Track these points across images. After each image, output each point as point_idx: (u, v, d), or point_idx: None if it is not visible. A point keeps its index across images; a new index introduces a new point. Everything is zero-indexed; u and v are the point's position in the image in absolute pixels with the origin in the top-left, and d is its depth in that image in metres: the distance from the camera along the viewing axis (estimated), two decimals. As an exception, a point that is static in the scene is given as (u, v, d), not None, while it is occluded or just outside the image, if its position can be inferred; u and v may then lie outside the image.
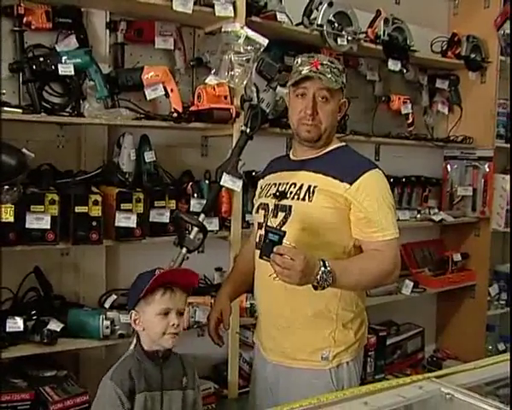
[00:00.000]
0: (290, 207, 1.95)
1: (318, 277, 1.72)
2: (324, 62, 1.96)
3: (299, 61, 2.01)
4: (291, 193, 1.97)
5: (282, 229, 1.82)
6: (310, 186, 1.93)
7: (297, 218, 1.93)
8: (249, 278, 2.15)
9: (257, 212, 2.09)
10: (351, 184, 1.89)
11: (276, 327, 2.00)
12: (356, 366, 1.99)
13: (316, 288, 1.75)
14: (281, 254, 1.69)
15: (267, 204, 2.04)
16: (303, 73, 1.95)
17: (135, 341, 1.88)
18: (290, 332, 1.96)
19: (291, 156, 2.13)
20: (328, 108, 1.96)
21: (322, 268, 1.73)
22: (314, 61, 1.96)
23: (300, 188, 1.95)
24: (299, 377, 1.94)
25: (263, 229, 1.98)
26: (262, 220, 2.04)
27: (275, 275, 1.73)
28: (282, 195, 1.99)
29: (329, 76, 1.94)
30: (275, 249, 1.70)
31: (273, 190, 2.04)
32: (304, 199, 1.93)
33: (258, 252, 2.00)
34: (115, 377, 1.73)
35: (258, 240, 2.03)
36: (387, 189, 1.96)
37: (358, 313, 1.99)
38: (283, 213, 1.96)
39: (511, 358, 1.48)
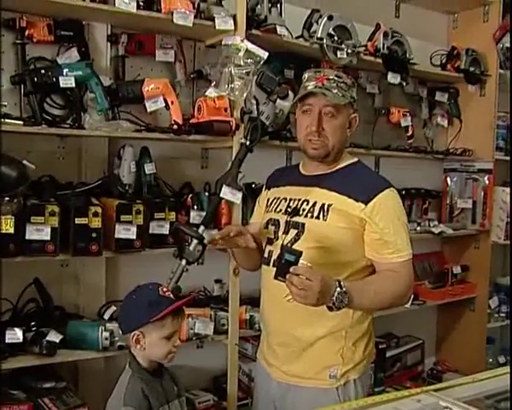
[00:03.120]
0: (303, 224, 1.89)
1: (334, 298, 1.69)
2: (331, 77, 1.92)
3: (306, 76, 1.98)
4: (303, 210, 1.92)
5: (297, 248, 1.77)
6: (324, 204, 1.89)
7: (310, 236, 1.88)
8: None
9: (266, 227, 2.03)
10: (366, 204, 1.85)
11: (285, 346, 1.95)
12: (363, 383, 1.95)
13: (331, 309, 1.71)
14: (297, 275, 1.65)
15: (278, 220, 1.98)
16: (308, 89, 1.92)
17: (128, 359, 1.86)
18: (299, 352, 1.92)
19: (301, 170, 2.07)
20: (334, 123, 1.91)
21: (338, 289, 1.69)
22: (320, 77, 1.92)
23: (314, 205, 1.90)
24: (305, 395, 1.90)
25: (273, 245, 1.97)
26: (272, 236, 1.99)
27: (289, 296, 1.68)
28: (294, 211, 1.94)
29: (335, 91, 1.90)
30: (291, 270, 1.65)
31: (283, 206, 1.99)
32: (318, 217, 1.88)
33: (265, 267, 1.99)
34: (129, 401, 1.71)
35: (266, 255, 2.00)
36: (402, 208, 1.94)
37: (367, 330, 1.98)
38: (295, 231, 1.91)
39: (511, 371, 1.47)
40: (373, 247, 1.88)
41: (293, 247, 1.84)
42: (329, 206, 1.88)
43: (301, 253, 1.69)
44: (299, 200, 1.95)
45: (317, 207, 1.90)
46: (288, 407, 1.95)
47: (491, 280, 3.89)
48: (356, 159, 2.05)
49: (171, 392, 1.83)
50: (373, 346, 2.04)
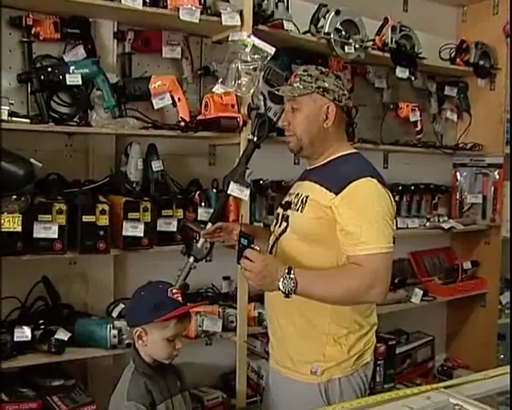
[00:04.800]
0: (288, 217, 1.96)
1: (280, 283, 1.73)
2: (298, 73, 1.97)
3: None
4: (293, 203, 1.97)
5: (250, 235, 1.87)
6: (303, 197, 1.92)
7: (292, 228, 1.94)
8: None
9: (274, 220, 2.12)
10: (336, 194, 1.81)
11: (274, 336, 2.03)
12: (353, 384, 1.91)
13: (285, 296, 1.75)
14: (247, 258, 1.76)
15: (278, 214, 2.05)
16: None
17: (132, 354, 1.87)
18: (284, 342, 1.97)
19: (307, 165, 2.10)
20: (297, 117, 1.95)
21: (286, 275, 1.73)
22: (293, 75, 2.00)
23: (299, 198, 1.94)
24: (292, 386, 1.94)
25: (271, 237, 2.04)
26: (272, 229, 2.06)
27: None
28: (287, 205, 2.00)
29: (296, 85, 1.93)
30: (244, 253, 1.77)
31: (285, 200, 2.05)
32: (297, 210, 1.92)
33: None
34: (133, 396, 1.73)
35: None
36: (376, 199, 1.81)
37: (355, 330, 1.91)
38: (286, 224, 1.96)
39: (511, 368, 1.45)
40: (340, 238, 1.82)
41: (282, 238, 1.94)
42: (307, 198, 1.91)
43: (252, 237, 1.81)
44: (294, 193, 2.01)
45: (299, 200, 1.94)
46: (278, 395, 2.00)
47: (501, 276, 3.87)
48: (352, 150, 2.00)
49: (174, 387, 1.85)
50: (365, 348, 1.94)
